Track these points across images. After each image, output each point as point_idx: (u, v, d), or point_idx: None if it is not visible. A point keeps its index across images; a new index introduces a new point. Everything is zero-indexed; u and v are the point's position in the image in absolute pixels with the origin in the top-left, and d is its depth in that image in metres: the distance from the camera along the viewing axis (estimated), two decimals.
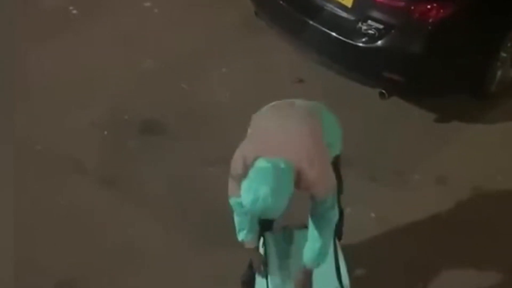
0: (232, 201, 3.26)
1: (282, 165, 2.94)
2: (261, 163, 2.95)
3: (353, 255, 3.49)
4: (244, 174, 2.97)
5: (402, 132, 4.66)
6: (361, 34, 4.47)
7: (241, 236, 3.35)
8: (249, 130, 3.33)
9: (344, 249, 3.46)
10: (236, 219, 3.32)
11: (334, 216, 3.19)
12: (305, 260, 3.24)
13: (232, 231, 3.78)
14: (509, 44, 4.69)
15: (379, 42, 4.43)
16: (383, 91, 4.57)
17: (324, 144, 3.20)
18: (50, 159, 4.43)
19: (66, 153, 4.48)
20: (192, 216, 4.16)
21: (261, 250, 3.46)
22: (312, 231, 3.18)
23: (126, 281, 3.87)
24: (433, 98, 4.79)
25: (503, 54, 4.70)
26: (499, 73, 4.76)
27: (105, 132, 4.64)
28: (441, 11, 4.29)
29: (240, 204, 3.08)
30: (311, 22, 4.58)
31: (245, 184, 2.93)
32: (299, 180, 3.01)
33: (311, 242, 3.20)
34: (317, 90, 4.76)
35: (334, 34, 4.54)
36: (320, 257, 3.22)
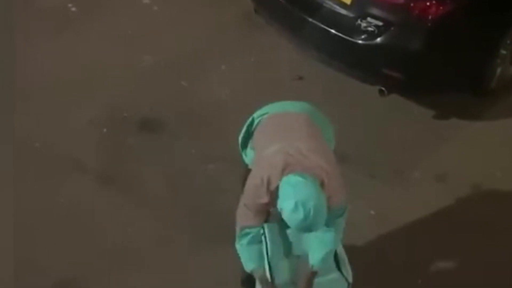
0: (244, 231, 3.21)
1: (311, 178, 2.98)
2: (293, 179, 2.97)
3: (353, 252, 3.48)
4: (271, 200, 3.02)
5: (401, 129, 4.66)
6: (360, 31, 4.46)
7: (250, 267, 3.28)
8: (253, 155, 3.32)
9: (343, 246, 3.45)
10: (245, 249, 3.25)
11: (344, 221, 3.21)
12: (313, 262, 3.24)
13: (232, 231, 3.79)
14: (508, 41, 4.68)
15: (379, 39, 4.42)
16: (383, 88, 4.57)
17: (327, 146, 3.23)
18: (49, 158, 4.42)
19: (65, 152, 4.47)
20: (192, 215, 4.16)
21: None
22: (322, 236, 3.18)
23: (126, 281, 3.86)
24: (432, 96, 4.79)
25: (503, 51, 4.70)
26: (498, 70, 4.75)
27: (104, 130, 4.64)
28: (441, 8, 4.29)
29: (253, 234, 3.14)
30: (310, 20, 4.58)
31: (286, 205, 2.93)
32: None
33: (322, 246, 3.20)
34: (317, 88, 4.76)
35: (333, 31, 4.54)
36: (328, 260, 3.26)
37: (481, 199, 4.32)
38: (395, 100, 4.71)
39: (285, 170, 3.02)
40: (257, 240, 3.24)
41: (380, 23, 4.41)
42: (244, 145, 3.49)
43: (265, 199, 3.07)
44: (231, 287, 3.77)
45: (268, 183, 3.04)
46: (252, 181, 3.14)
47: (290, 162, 3.04)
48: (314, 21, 4.56)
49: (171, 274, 3.90)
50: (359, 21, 4.45)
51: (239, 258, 3.31)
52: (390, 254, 3.99)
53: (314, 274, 3.28)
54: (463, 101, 4.78)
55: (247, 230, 3.20)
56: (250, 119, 3.46)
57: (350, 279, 3.35)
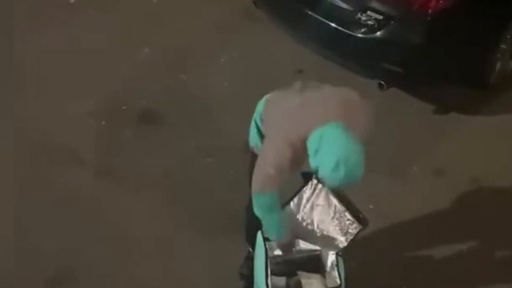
0: (267, 197, 3.05)
1: (341, 127, 2.83)
2: (328, 133, 2.81)
3: (351, 246, 3.47)
4: (304, 152, 2.84)
5: (400, 123, 4.65)
6: (360, 25, 4.46)
7: (276, 233, 3.17)
8: (265, 117, 3.17)
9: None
10: (267, 216, 3.12)
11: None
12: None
13: (231, 222, 3.80)
14: (508, 36, 4.68)
15: (378, 33, 4.42)
16: (382, 82, 4.57)
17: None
18: (48, 150, 4.41)
19: (64, 143, 4.47)
20: (190, 206, 4.16)
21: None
22: None
23: (124, 271, 3.86)
24: (432, 90, 4.79)
25: (503, 46, 4.70)
26: (498, 64, 4.76)
27: (103, 123, 4.63)
28: (441, 2, 4.29)
29: (275, 199, 3.02)
30: (310, 13, 4.57)
31: (325, 163, 2.78)
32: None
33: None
34: (316, 81, 4.73)
35: (333, 24, 4.53)
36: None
37: (479, 193, 4.32)
38: (395, 94, 4.71)
39: (314, 122, 2.86)
40: (276, 205, 3.13)
41: (380, 17, 4.40)
42: (258, 133, 3.31)
43: (299, 155, 2.90)
44: (230, 280, 3.76)
45: (302, 137, 2.88)
46: (280, 138, 2.96)
47: (316, 113, 2.90)
48: (314, 15, 4.55)
49: (169, 266, 3.90)
50: (359, 15, 4.44)
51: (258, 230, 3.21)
52: (388, 248, 3.99)
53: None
54: (462, 95, 4.78)
55: (271, 194, 3.04)
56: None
57: (343, 278, 3.33)
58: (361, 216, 3.31)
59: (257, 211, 3.13)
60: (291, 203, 3.33)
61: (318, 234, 3.36)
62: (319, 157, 2.84)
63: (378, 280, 3.82)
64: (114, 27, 5.16)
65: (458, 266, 3.95)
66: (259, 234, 3.37)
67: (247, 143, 3.43)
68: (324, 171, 2.84)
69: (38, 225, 4.00)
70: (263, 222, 3.20)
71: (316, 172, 2.90)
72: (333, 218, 3.33)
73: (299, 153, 2.93)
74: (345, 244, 3.32)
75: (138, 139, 4.54)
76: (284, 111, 3.05)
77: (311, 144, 2.86)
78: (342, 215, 3.31)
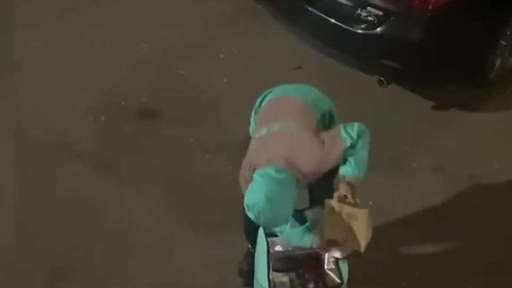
0: None
1: (274, 174, 2.98)
2: (254, 177, 3.02)
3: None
4: (250, 180, 3.05)
5: (400, 119, 4.65)
6: (360, 20, 4.45)
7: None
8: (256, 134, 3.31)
9: None
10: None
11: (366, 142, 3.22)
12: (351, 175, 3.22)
13: (230, 219, 3.79)
14: (508, 33, 4.67)
15: (378, 29, 4.41)
16: (382, 78, 4.56)
17: (316, 127, 3.20)
18: (47, 145, 4.41)
19: (63, 139, 4.46)
20: (190, 203, 4.15)
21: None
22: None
23: (123, 268, 3.86)
24: (431, 86, 4.79)
25: (503, 42, 4.69)
26: (498, 61, 4.75)
27: (102, 118, 4.62)
28: None
29: None
30: (310, 8, 4.56)
31: (246, 200, 3.00)
32: (303, 176, 3.06)
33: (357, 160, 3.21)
34: (315, 77, 4.73)
35: (333, 20, 4.53)
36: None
37: (479, 190, 4.32)
38: (394, 90, 4.70)
39: (254, 164, 3.06)
40: None
41: (380, 13, 4.40)
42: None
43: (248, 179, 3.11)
44: (230, 276, 3.76)
45: (250, 165, 3.10)
46: (241, 168, 3.18)
47: (260, 155, 3.07)
48: (313, 10, 4.55)
49: (169, 262, 3.90)
50: (359, 11, 4.44)
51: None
52: (387, 245, 3.98)
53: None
54: (462, 92, 4.78)
55: None
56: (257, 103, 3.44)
57: (345, 278, 3.34)
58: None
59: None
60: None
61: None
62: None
63: (377, 276, 3.82)
64: (114, 23, 5.15)
65: (456, 262, 3.95)
66: (260, 229, 3.39)
67: (248, 136, 3.43)
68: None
69: (38, 222, 4.00)
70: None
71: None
72: None
73: None
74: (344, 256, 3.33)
75: (137, 135, 4.54)
76: (258, 136, 3.18)
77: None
78: None
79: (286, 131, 3.12)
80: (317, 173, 3.12)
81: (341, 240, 3.17)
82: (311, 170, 3.07)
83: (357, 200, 3.18)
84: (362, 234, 3.13)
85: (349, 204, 3.13)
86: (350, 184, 3.21)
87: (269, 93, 3.40)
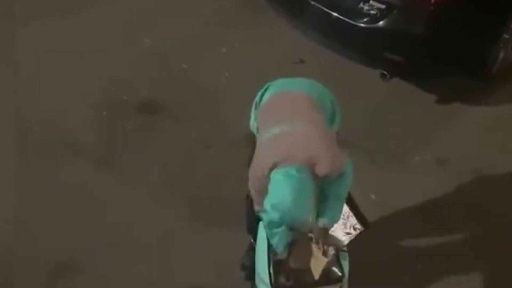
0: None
1: (296, 174, 2.98)
2: (275, 176, 3.00)
3: (353, 239, 3.47)
4: (264, 186, 3.03)
5: (402, 113, 4.64)
6: (362, 14, 4.44)
7: (280, 248, 3.24)
8: (257, 136, 3.29)
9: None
10: (274, 234, 3.20)
11: (350, 180, 3.19)
12: (327, 221, 3.24)
13: (232, 213, 3.79)
14: (511, 26, 4.65)
15: (381, 23, 4.40)
16: (384, 72, 4.55)
17: (326, 125, 3.22)
18: (49, 141, 4.40)
19: (65, 134, 4.46)
20: (192, 199, 4.14)
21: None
22: (331, 194, 3.20)
23: (125, 263, 3.86)
24: (434, 80, 4.78)
25: (505, 36, 4.68)
26: (501, 55, 4.73)
27: (104, 113, 4.62)
28: None
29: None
30: (312, 2, 4.55)
31: (267, 201, 2.99)
32: (316, 176, 3.05)
33: (333, 204, 3.21)
34: (318, 71, 4.71)
35: (335, 14, 4.51)
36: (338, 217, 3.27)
37: (481, 184, 4.31)
38: (397, 84, 4.69)
39: (274, 164, 3.02)
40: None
41: (383, 6, 4.38)
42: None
43: (262, 186, 3.09)
44: (232, 271, 3.75)
45: (262, 170, 3.06)
46: (252, 168, 3.15)
47: (283, 152, 3.03)
48: (316, 4, 4.53)
49: (170, 257, 3.89)
50: (361, 4, 4.42)
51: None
52: (390, 238, 3.98)
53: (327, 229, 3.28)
54: (464, 85, 4.77)
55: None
56: (257, 97, 3.42)
57: (346, 271, 3.34)
58: (365, 218, 3.36)
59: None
60: None
61: None
62: (266, 198, 3.02)
63: (380, 270, 3.82)
64: (115, 19, 5.14)
65: (459, 256, 3.94)
66: (260, 224, 3.38)
67: (250, 131, 3.42)
68: (265, 212, 3.03)
69: (38, 220, 3.99)
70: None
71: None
72: None
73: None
74: (345, 243, 3.34)
75: (139, 129, 4.53)
76: (267, 137, 3.14)
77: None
78: (346, 216, 3.33)
79: (301, 130, 3.10)
80: (333, 174, 3.10)
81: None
82: (329, 171, 3.06)
83: (326, 247, 3.31)
84: (317, 272, 3.26)
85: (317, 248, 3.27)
86: (324, 229, 3.25)
87: (269, 86, 3.38)
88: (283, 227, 3.09)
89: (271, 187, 3.01)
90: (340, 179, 3.13)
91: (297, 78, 3.46)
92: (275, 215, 2.99)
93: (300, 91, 3.31)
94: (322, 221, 3.26)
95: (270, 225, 3.09)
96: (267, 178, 3.04)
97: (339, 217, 3.29)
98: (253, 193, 3.21)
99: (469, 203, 4.20)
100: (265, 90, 3.38)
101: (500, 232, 4.07)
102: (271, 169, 3.03)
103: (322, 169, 3.03)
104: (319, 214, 3.27)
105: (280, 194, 2.97)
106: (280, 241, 3.15)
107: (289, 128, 3.11)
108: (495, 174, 4.38)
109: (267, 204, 3.01)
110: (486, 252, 3.96)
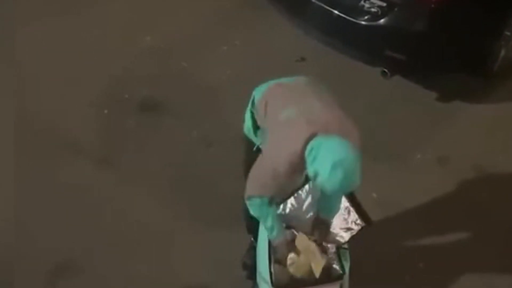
0: (257, 201, 3.13)
1: (337, 136, 2.87)
2: (323, 141, 2.85)
3: (354, 235, 3.47)
4: (302, 162, 2.88)
5: (403, 111, 4.64)
6: (363, 12, 4.43)
7: (274, 235, 3.22)
8: (266, 125, 3.20)
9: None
10: (261, 215, 3.19)
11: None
12: (327, 215, 3.25)
13: (233, 212, 3.78)
14: None
15: (382, 20, 4.39)
16: (385, 70, 4.55)
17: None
18: (50, 139, 4.40)
19: (66, 133, 4.46)
20: (192, 196, 4.14)
21: None
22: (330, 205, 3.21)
23: (125, 263, 3.85)
24: (435, 78, 4.77)
25: (507, 33, 4.67)
26: (502, 52, 4.73)
27: (105, 111, 4.62)
28: None
29: (266, 203, 3.09)
30: (313, 0, 4.54)
31: (323, 168, 2.81)
32: None
33: (333, 199, 3.20)
34: (319, 69, 4.72)
35: (336, 12, 4.50)
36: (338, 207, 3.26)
37: (483, 182, 4.31)
38: (398, 82, 4.69)
39: (312, 134, 2.89)
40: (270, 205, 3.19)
41: (384, 4, 4.38)
42: (253, 125, 3.35)
43: (296, 167, 2.95)
44: (233, 270, 3.75)
45: (299, 150, 2.90)
46: (276, 151, 3.01)
47: (315, 124, 2.92)
48: (316, 2, 4.52)
49: (171, 256, 3.89)
50: (362, 2, 4.42)
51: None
52: (391, 237, 3.98)
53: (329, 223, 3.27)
54: (466, 83, 4.77)
55: (261, 199, 3.12)
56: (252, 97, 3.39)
57: (347, 270, 3.33)
58: (367, 214, 3.34)
59: (252, 212, 3.21)
60: (292, 198, 3.36)
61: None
62: (316, 163, 2.86)
63: (380, 268, 3.81)
64: (116, 16, 5.14)
65: (460, 254, 3.94)
66: (261, 223, 3.37)
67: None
68: (322, 176, 2.85)
69: (38, 217, 3.99)
70: (260, 221, 3.26)
71: (314, 179, 2.91)
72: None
73: (296, 165, 2.96)
74: (346, 240, 3.33)
75: (140, 128, 4.53)
76: (286, 118, 3.04)
77: (309, 153, 2.89)
78: (347, 211, 3.32)
79: (321, 107, 3.02)
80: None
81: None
82: (360, 143, 2.97)
83: (326, 245, 3.32)
84: (317, 270, 3.27)
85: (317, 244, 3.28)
86: (324, 223, 3.25)
87: (263, 85, 3.35)
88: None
89: (321, 151, 2.83)
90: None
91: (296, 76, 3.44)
92: (339, 173, 2.79)
93: (301, 81, 3.29)
94: (323, 214, 3.26)
95: (331, 185, 2.86)
96: (302, 152, 2.88)
97: (339, 207, 3.28)
98: (269, 182, 3.06)
99: (470, 201, 4.20)
100: (259, 88, 3.34)
101: (501, 230, 4.07)
102: (308, 141, 2.87)
103: (356, 141, 2.93)
104: (319, 207, 3.28)
105: (340, 151, 2.81)
106: (272, 224, 3.15)
107: (307, 105, 3.04)
108: (497, 171, 4.37)
109: (323, 166, 2.82)
110: (487, 250, 3.96)
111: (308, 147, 2.88)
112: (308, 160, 2.88)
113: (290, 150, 2.93)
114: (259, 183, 3.12)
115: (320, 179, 2.85)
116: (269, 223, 3.21)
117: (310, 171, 2.88)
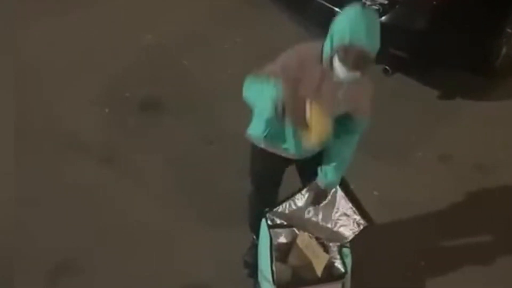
0: (257, 78, 3.12)
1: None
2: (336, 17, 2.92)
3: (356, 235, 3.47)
4: (313, 63, 3.01)
5: (405, 109, 4.63)
6: None
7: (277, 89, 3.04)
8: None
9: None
10: (255, 87, 3.17)
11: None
12: (326, 182, 3.25)
13: (234, 210, 3.78)
14: None
15: (383, 18, 4.39)
16: (387, 67, 4.54)
17: None
18: (51, 138, 4.40)
19: (67, 132, 4.46)
20: (193, 194, 4.14)
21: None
22: (337, 152, 3.20)
23: (126, 261, 3.85)
24: (436, 75, 4.76)
25: (508, 30, 4.66)
26: (503, 50, 4.72)
27: (106, 110, 4.62)
28: None
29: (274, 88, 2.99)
30: None
31: (346, 20, 2.88)
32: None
33: (336, 165, 3.22)
34: None
35: (337, 9, 4.48)
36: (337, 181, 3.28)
37: (484, 180, 4.31)
38: (399, 79, 4.68)
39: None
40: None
41: (385, 2, 4.38)
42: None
43: (306, 67, 3.05)
44: (234, 268, 3.75)
45: (313, 54, 3.07)
46: (291, 51, 3.16)
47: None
48: None
49: (172, 254, 3.88)
50: (363, 0, 4.40)
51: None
52: (393, 235, 3.97)
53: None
54: (467, 81, 4.76)
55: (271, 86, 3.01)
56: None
57: (349, 268, 3.34)
58: (368, 214, 3.35)
59: (248, 87, 3.21)
60: (292, 198, 3.38)
61: (323, 227, 3.36)
62: (337, 23, 2.94)
63: (382, 267, 3.82)
64: (116, 15, 5.14)
65: (462, 252, 3.94)
66: (263, 221, 3.38)
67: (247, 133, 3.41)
68: (343, 31, 2.89)
69: (39, 216, 3.99)
70: (256, 104, 3.19)
71: (331, 45, 2.95)
72: (336, 212, 3.36)
73: (307, 66, 3.06)
74: (349, 239, 3.34)
75: (141, 126, 4.53)
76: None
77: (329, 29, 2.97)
78: (348, 211, 3.33)
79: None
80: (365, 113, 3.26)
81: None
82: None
83: (327, 243, 3.37)
84: (319, 269, 3.31)
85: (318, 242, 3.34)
86: (323, 190, 3.25)
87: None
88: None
89: (340, 16, 2.93)
90: (358, 123, 3.22)
91: None
92: (362, 21, 2.89)
93: None
94: (321, 181, 3.25)
95: (356, 35, 2.92)
96: (316, 56, 3.05)
97: (338, 181, 3.28)
98: (278, 70, 3.08)
99: (472, 198, 4.19)
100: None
101: (503, 227, 4.06)
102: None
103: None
104: (320, 174, 3.26)
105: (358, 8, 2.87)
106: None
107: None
108: (498, 169, 4.37)
109: (345, 19, 2.90)
110: (488, 248, 3.96)
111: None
112: (329, 32, 2.97)
113: (305, 51, 3.11)
114: (267, 69, 3.14)
115: (338, 40, 2.91)
116: (263, 94, 3.08)
117: (327, 42, 2.99)
